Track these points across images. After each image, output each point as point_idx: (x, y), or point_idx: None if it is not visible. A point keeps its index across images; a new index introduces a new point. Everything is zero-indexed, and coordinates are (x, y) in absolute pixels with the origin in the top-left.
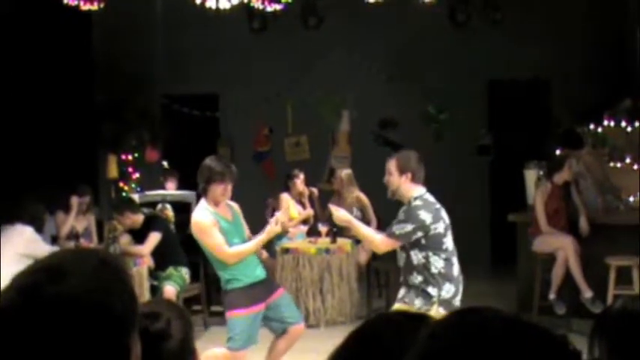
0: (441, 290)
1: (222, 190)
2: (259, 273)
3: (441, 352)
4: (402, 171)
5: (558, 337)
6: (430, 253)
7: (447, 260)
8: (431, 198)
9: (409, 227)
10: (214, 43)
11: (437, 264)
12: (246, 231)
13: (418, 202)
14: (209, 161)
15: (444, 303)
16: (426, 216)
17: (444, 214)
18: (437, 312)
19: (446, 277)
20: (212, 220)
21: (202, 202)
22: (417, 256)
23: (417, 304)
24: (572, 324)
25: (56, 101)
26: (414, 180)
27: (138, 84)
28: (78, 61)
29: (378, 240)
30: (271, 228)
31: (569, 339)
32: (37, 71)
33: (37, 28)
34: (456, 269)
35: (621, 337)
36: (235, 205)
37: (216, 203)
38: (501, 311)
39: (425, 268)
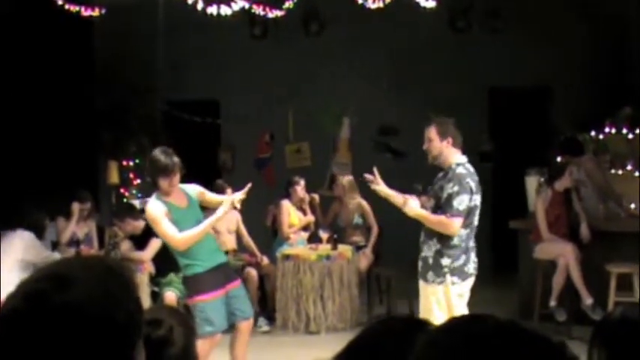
0: (455, 261)
1: (167, 183)
2: (217, 258)
3: (440, 359)
4: (442, 136)
5: (556, 343)
6: None
7: (469, 233)
8: (472, 168)
9: (466, 198)
10: (215, 49)
11: (459, 236)
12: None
13: (462, 170)
14: (155, 155)
15: (456, 271)
16: (472, 184)
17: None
18: (450, 281)
19: (463, 249)
20: (163, 210)
21: (155, 194)
22: None
23: (430, 278)
24: (572, 331)
25: (57, 107)
26: (454, 145)
27: (139, 90)
28: (79, 67)
29: (449, 222)
30: (223, 209)
31: (568, 346)
32: (37, 77)
33: (38, 34)
34: (472, 241)
35: (620, 345)
36: (190, 188)
37: (166, 194)
38: (499, 318)
39: (447, 237)
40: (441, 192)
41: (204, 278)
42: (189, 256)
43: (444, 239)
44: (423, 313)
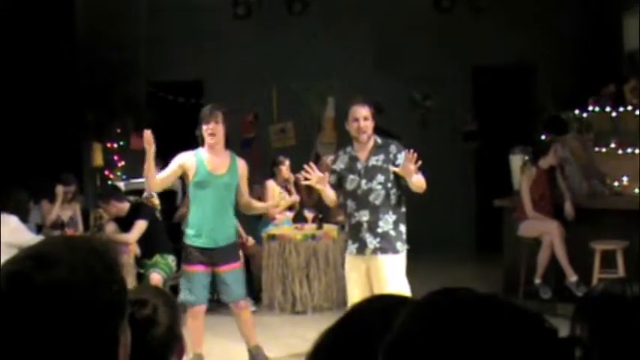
0: (405, 228)
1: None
2: (219, 241)
3: (419, 333)
4: (374, 117)
5: (534, 315)
6: (400, 192)
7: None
8: None
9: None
10: (199, 29)
11: (404, 204)
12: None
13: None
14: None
15: (407, 237)
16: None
17: None
18: (406, 245)
19: (405, 216)
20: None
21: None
22: (395, 195)
23: (400, 248)
24: (557, 308)
25: (40, 89)
26: None
27: (122, 71)
28: (62, 48)
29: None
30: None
31: (547, 319)
32: (19, 58)
33: (19, 14)
34: None
35: (602, 320)
36: (240, 164)
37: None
38: (477, 291)
39: (398, 206)
40: (396, 161)
41: (194, 251)
42: (192, 227)
43: (397, 209)
44: (393, 287)
